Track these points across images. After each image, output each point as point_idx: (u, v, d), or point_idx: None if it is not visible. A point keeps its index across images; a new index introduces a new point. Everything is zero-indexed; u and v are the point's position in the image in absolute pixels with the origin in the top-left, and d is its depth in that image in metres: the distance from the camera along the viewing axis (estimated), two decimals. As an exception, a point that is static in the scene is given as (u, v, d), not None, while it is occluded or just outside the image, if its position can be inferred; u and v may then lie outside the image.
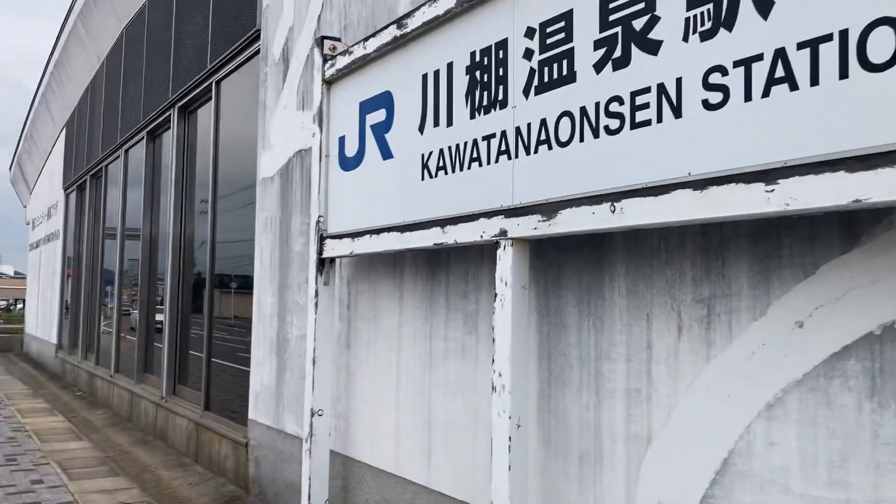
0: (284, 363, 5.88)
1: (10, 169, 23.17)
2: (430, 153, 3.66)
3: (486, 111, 3.26)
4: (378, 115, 4.21)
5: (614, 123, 2.60)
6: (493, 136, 3.19)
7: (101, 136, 12.81)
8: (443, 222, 3.48)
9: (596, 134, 2.67)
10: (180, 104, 8.82)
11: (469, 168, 3.35)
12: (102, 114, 12.79)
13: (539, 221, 2.88)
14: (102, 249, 12.91)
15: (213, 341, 7.70)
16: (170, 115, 9.09)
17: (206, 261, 8.00)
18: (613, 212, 2.56)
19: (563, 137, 2.82)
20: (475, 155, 3.31)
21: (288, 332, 5.87)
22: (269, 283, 6.25)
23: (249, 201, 7.02)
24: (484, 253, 3.74)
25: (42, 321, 18.44)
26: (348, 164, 4.59)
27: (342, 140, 4.67)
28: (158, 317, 9.38)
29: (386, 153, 4.21)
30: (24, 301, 53.22)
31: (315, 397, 4.69)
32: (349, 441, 4.91)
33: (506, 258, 3.11)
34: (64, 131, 16.50)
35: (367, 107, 4.34)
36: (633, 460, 2.87)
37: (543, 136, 2.91)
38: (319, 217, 4.73)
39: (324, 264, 4.77)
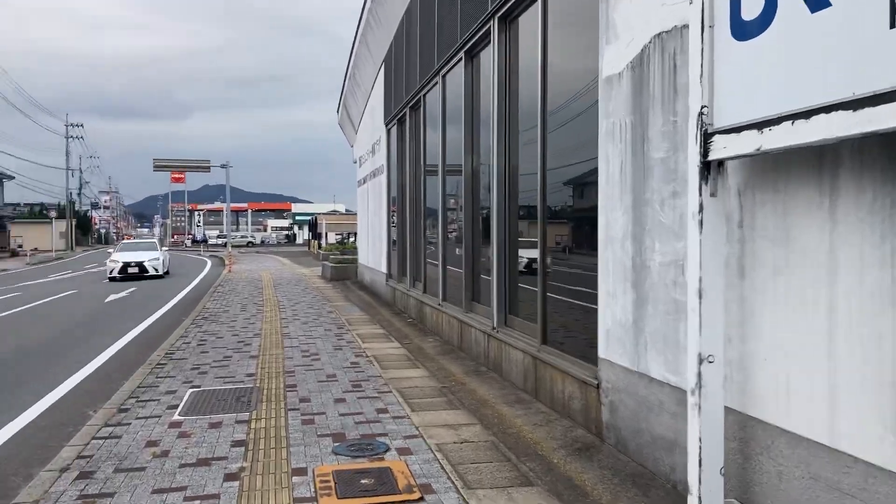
0: (644, 295, 4.93)
1: (337, 112, 24.96)
2: (931, -27, 2.36)
3: None
4: (809, -55, 2.97)
5: None
6: None
7: (418, 64, 12.75)
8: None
9: None
10: (500, 13, 8.10)
11: None
12: (418, 41, 12.69)
13: None
14: (424, 180, 12.99)
15: (547, 272, 7.01)
16: (489, 27, 8.43)
17: (535, 188, 7.29)
18: None
19: None
20: None
21: (647, 258, 4.89)
22: (618, 201, 5.30)
23: (581, 114, 6.09)
24: None
25: (372, 252, 19.67)
26: (747, 29, 3.40)
27: (736, 1, 3.48)
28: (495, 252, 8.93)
29: (817, 1, 2.96)
30: (355, 234, 59.11)
31: (703, 340, 3.67)
32: (747, 395, 3.83)
33: None
34: (382, 67, 17.00)
35: (787, -62, 3.10)
36: None
37: None
38: (703, 108, 3.62)
39: (709, 169, 3.68)
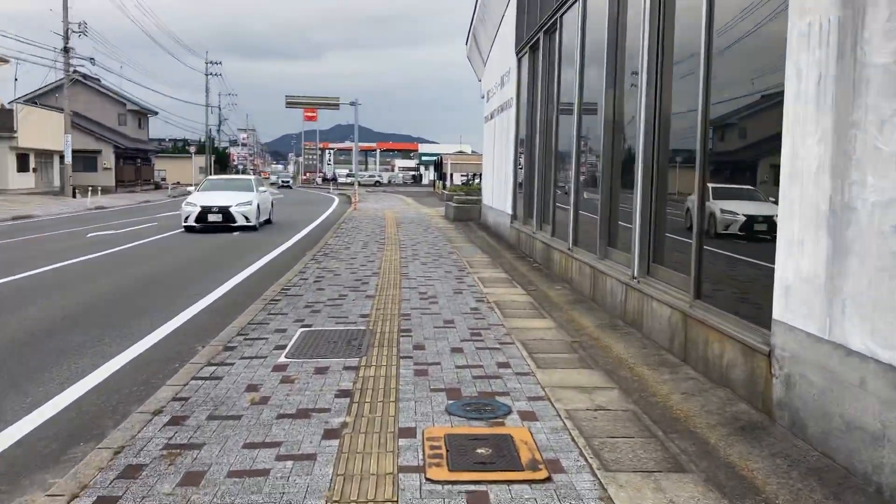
0: (845, 245, 3.83)
1: (466, 43, 23.95)
2: None
3: None
4: None
5: None
6: None
7: (555, -17, 11.55)
8: None
9: None
10: None
11: None
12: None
13: None
14: (557, 117, 11.91)
15: (704, 219, 5.92)
16: (642, -73, 7.21)
17: (692, 121, 6.17)
18: None
19: None
20: None
21: (853, 197, 3.78)
22: (813, 125, 4.16)
23: (750, 34, 4.91)
24: None
25: (497, 192, 18.81)
26: None
27: None
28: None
29: None
30: (480, 175, 58.31)
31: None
32: None
33: None
34: (514, -7, 15.82)
35: None
36: None
37: None
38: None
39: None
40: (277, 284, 10.05)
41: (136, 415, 4.80)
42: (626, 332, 7.16)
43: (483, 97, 22.73)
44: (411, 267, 11.92)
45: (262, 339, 6.84)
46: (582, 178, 10.14)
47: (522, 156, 14.88)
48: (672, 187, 6.95)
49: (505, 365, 5.96)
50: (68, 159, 43.49)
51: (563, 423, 4.64)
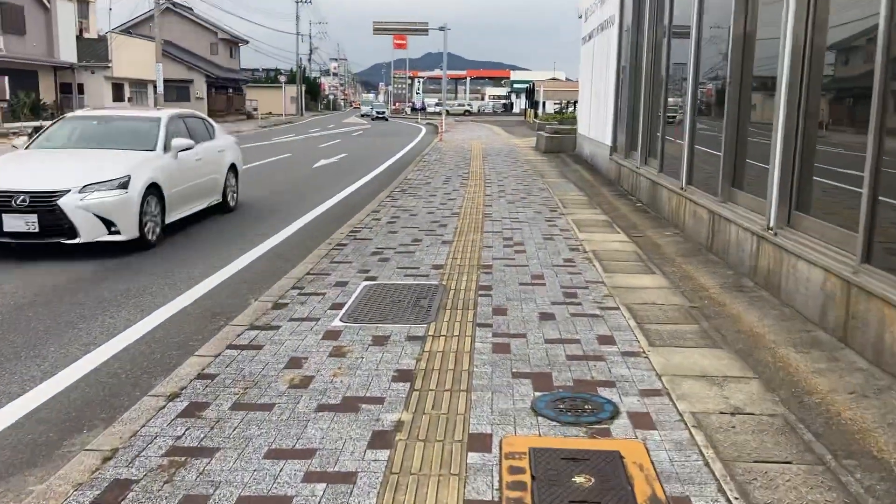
0: None
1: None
2: None
3: None
4: None
5: None
6: None
7: None
8: None
9: None
10: None
11: None
12: None
13: None
14: (669, 39, 10.26)
15: (882, 157, 4.45)
16: None
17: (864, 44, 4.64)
18: None
19: None
20: None
21: None
22: None
23: None
24: None
25: (595, 121, 17.18)
26: None
27: None
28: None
29: None
30: (575, 103, 55.70)
31: None
32: None
33: None
34: None
35: None
36: None
37: None
38: None
39: None
40: (347, 226, 9.06)
41: (147, 399, 3.89)
42: (757, 295, 5.79)
43: (580, 16, 20.81)
44: (496, 206, 10.71)
45: (318, 294, 5.85)
46: (700, 105, 8.59)
47: (624, 80, 13.22)
48: (825, 118, 5.46)
49: (608, 340, 4.77)
50: (160, 88, 43.67)
51: (691, 433, 3.46)
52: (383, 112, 69.39)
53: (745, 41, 7.00)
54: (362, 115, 72.46)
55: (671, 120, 10.02)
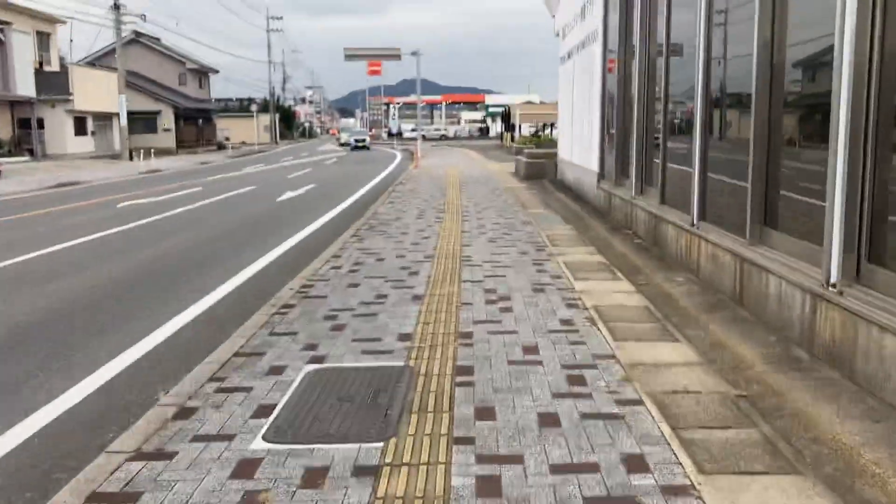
0: None
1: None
2: None
3: None
4: None
5: None
6: None
7: None
8: None
9: None
10: None
11: None
12: None
13: None
14: (667, 58, 9.03)
15: None
16: None
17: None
18: None
19: None
20: None
21: None
22: None
23: None
24: None
25: (578, 145, 15.93)
26: None
27: None
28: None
29: None
30: (551, 126, 54.73)
31: None
32: None
33: None
34: None
35: None
36: None
37: None
38: None
39: None
40: (301, 278, 7.64)
41: None
42: (822, 377, 4.41)
43: (558, 34, 19.68)
44: (476, 246, 9.33)
45: (242, 389, 4.41)
46: (712, 126, 7.29)
47: (613, 100, 11.95)
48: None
49: (638, 464, 3.36)
50: (123, 121, 42.22)
51: None
52: (363, 140, 59.12)
53: (772, 52, 5.71)
54: (341, 144, 65.81)
55: (677, 145, 8.73)
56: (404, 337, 5.42)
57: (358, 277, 7.57)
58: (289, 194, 19.10)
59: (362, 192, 19.63)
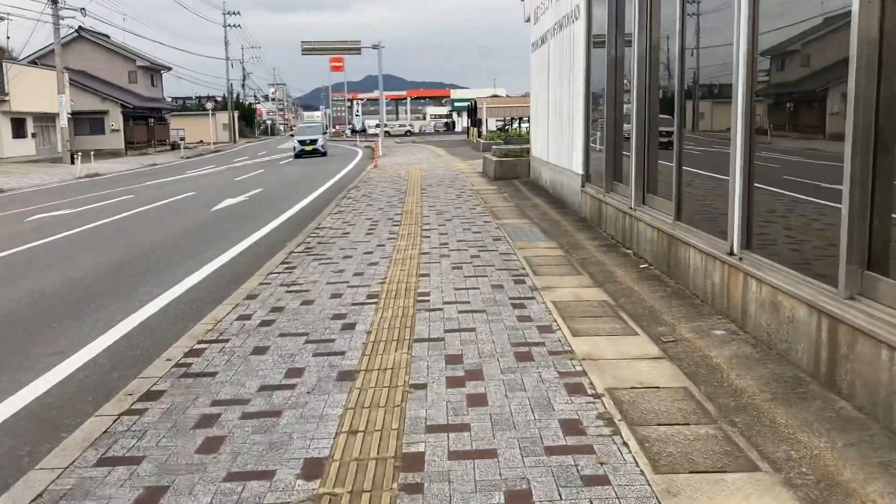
0: None
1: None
2: None
3: None
4: None
5: None
6: None
7: None
8: None
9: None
10: None
11: None
12: None
13: None
14: (682, 39, 7.03)
15: None
16: None
17: None
18: None
19: None
20: None
21: None
22: None
23: None
24: None
25: (556, 142, 13.89)
26: None
27: None
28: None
29: None
30: (519, 120, 52.60)
31: None
32: None
33: None
34: None
35: None
36: None
37: None
38: None
39: None
40: (189, 337, 5.48)
41: None
42: None
43: (528, 20, 17.63)
44: (435, 277, 7.23)
45: None
46: (762, 121, 5.26)
47: (604, 90, 9.87)
48: None
49: None
50: (63, 122, 39.40)
51: None
52: (316, 140, 41.40)
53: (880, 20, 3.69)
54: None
55: (697, 145, 6.71)
56: (312, 469, 3.32)
57: (270, 335, 5.43)
58: (228, 202, 16.83)
59: (312, 197, 17.41)
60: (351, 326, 5.60)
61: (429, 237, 9.70)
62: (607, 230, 9.37)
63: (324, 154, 39.75)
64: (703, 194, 6.39)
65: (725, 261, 5.39)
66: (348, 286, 6.98)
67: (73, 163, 38.12)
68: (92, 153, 39.15)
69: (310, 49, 46.48)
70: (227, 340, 5.34)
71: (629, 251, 8.18)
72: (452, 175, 20.97)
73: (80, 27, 56.71)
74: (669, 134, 7.01)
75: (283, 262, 8.27)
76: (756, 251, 5.09)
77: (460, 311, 5.91)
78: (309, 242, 9.61)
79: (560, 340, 5.08)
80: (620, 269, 7.35)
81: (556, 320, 5.57)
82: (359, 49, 46.91)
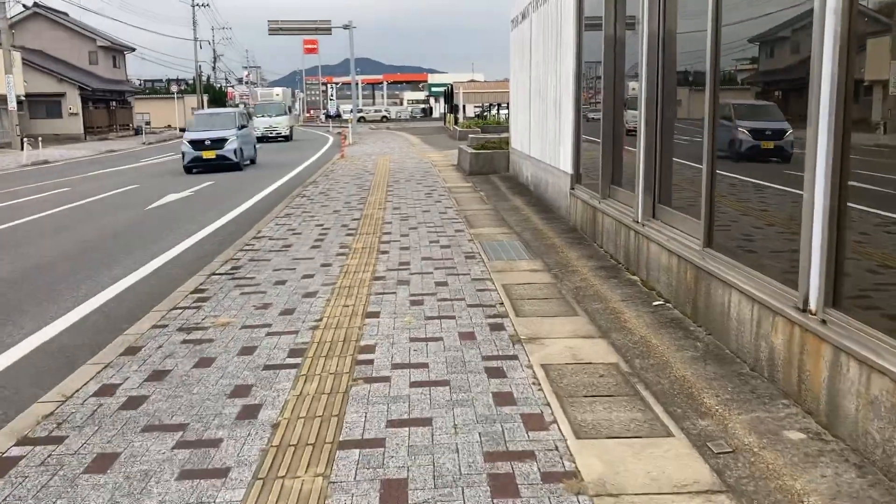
0: None
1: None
2: None
3: None
4: None
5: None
6: None
7: None
8: None
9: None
10: None
11: None
12: None
13: None
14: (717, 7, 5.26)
15: None
16: None
17: None
18: None
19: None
20: None
21: None
22: None
23: None
24: None
25: (537, 134, 12.15)
26: None
27: None
28: None
29: None
30: (498, 106, 50.68)
31: None
32: None
33: None
34: None
35: None
36: None
37: None
38: None
39: None
40: (5, 433, 3.70)
41: None
42: None
43: (507, -6, 15.81)
44: (386, 318, 5.48)
45: None
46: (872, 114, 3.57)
47: (603, 74, 8.12)
48: None
49: None
50: (12, 105, 36.89)
51: None
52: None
53: None
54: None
55: (724, 138, 5.00)
56: None
57: (128, 430, 3.66)
58: (170, 197, 14.91)
59: (266, 192, 15.53)
60: (253, 413, 3.84)
61: (387, 252, 7.93)
62: (604, 246, 7.66)
63: (287, 139, 37.05)
64: (749, 212, 4.70)
65: (796, 321, 3.69)
66: (268, 333, 5.21)
67: (22, 148, 35.77)
68: (42, 138, 36.81)
69: (277, 29, 44.24)
70: (59, 441, 3.56)
71: (635, 277, 6.47)
72: (424, 169, 19.15)
73: (35, 3, 53.99)
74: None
75: (195, 291, 6.48)
76: (850, 312, 3.40)
77: (413, 385, 4.17)
78: (238, 259, 7.81)
79: (557, 447, 3.37)
80: (628, 308, 5.63)
81: (548, 403, 3.86)
82: (329, 29, 44.76)
